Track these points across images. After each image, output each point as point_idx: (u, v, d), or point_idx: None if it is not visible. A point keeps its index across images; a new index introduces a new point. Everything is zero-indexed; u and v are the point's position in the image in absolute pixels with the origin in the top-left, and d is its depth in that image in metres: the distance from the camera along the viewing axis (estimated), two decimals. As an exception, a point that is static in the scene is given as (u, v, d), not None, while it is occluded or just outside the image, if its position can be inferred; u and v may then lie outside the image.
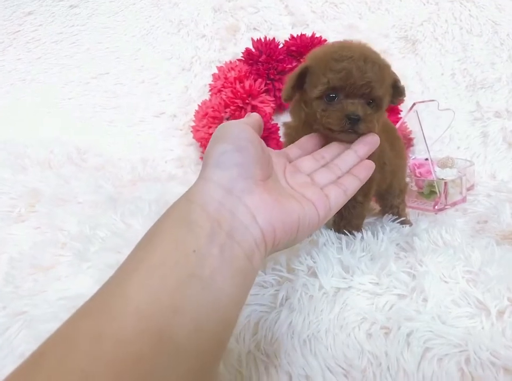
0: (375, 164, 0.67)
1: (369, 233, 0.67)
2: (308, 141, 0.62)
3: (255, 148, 0.44)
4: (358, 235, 0.67)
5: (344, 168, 0.56)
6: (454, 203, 0.99)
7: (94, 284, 0.57)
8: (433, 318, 0.48)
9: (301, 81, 0.63)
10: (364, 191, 0.67)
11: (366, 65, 0.57)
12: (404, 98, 0.66)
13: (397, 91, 0.64)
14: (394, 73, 0.63)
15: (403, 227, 0.77)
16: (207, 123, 1.29)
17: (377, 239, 0.66)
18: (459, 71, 1.40)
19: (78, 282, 0.60)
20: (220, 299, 0.34)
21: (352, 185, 0.54)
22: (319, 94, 0.59)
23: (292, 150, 0.60)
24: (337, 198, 0.51)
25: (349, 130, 0.58)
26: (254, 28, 1.54)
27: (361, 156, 0.58)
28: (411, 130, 1.25)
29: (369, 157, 0.59)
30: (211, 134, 0.50)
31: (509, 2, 1.41)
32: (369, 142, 0.59)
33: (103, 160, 1.28)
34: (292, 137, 0.67)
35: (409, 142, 1.25)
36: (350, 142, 0.60)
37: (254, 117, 0.50)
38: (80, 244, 0.70)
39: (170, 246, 0.35)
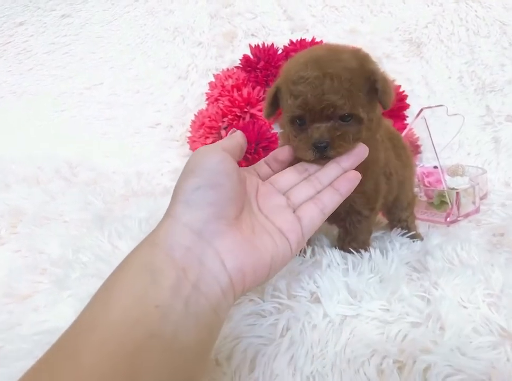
0: (381, 174, 0.63)
1: (377, 251, 0.65)
2: (279, 153, 0.57)
3: (232, 184, 0.41)
4: (366, 254, 0.64)
5: (325, 182, 0.52)
6: (467, 214, 0.94)
7: (74, 316, 0.52)
8: (452, 350, 0.44)
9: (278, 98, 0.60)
10: (370, 204, 0.65)
11: (324, 85, 0.51)
12: (390, 100, 0.56)
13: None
14: (373, 72, 0.55)
15: (413, 241, 0.75)
16: (204, 133, 1.26)
17: (386, 258, 0.63)
18: (467, 73, 1.38)
19: (56, 313, 0.57)
20: (183, 357, 0.32)
21: (331, 202, 0.50)
22: (288, 120, 0.57)
23: (262, 166, 0.56)
24: (313, 218, 0.48)
25: (321, 157, 0.53)
26: (252, 34, 1.52)
27: (345, 168, 0.53)
28: (418, 137, 1.21)
29: (372, 168, 0.56)
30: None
31: (517, 1, 1.39)
32: (355, 153, 0.54)
33: (96, 173, 1.26)
34: None
35: (416, 149, 1.22)
36: None
37: (236, 138, 0.46)
38: (60, 269, 0.67)
39: (131, 301, 0.32)
